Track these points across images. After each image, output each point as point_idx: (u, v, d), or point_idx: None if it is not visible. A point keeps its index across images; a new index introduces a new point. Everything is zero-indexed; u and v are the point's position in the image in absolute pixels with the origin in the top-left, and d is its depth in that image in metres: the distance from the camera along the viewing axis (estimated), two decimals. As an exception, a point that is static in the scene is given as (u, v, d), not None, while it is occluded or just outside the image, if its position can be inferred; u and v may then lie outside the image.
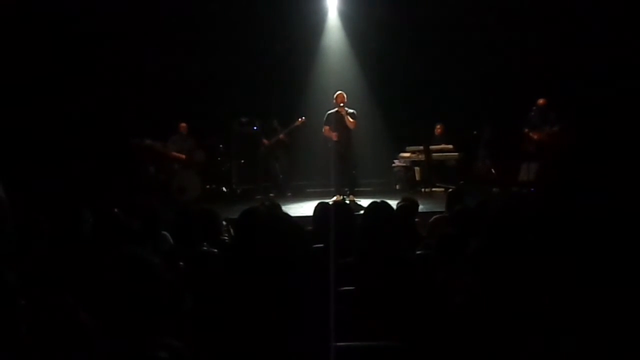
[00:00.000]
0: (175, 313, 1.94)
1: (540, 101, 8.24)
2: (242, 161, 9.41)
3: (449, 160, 8.92)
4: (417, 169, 9.18)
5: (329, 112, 7.44)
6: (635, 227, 2.43)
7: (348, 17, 9.80)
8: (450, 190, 5.87)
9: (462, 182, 8.28)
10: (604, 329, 1.77)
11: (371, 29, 9.48)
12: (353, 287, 2.54)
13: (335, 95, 7.37)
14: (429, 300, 2.30)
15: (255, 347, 1.89)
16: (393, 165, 9.53)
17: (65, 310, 1.05)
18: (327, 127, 7.45)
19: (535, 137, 8.25)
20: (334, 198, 7.11)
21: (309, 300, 1.99)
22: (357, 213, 4.28)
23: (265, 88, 9.55)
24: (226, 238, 3.69)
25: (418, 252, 3.07)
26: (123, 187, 7.38)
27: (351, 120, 7.29)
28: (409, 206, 4.15)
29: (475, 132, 9.07)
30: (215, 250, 3.12)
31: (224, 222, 3.93)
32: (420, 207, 4.87)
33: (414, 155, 9.07)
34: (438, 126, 9.34)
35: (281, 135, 9.16)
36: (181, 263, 2.79)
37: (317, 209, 3.81)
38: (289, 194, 9.02)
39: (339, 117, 7.30)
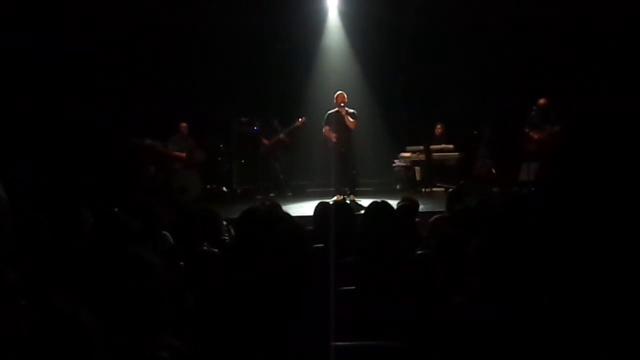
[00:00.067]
0: (176, 313, 1.94)
1: (541, 101, 8.24)
2: (243, 161, 9.42)
3: (449, 160, 8.92)
4: (417, 168, 9.18)
5: (329, 112, 7.44)
6: (635, 227, 2.42)
7: (348, 17, 9.80)
8: (451, 190, 5.87)
9: (462, 182, 8.29)
10: (604, 329, 1.77)
11: (371, 29, 9.48)
12: (353, 287, 2.54)
13: (335, 95, 7.37)
14: (429, 300, 2.30)
15: (255, 347, 1.89)
16: (393, 165, 9.53)
17: (65, 310, 1.04)
18: (327, 127, 7.45)
19: (536, 136, 8.25)
20: (334, 198, 7.11)
21: (309, 300, 1.99)
22: (357, 213, 4.28)
23: (265, 88, 9.56)
24: (226, 238, 3.69)
25: (418, 252, 3.07)
26: (123, 187, 7.38)
27: (351, 120, 7.29)
28: (409, 206, 4.15)
29: (475, 132, 9.07)
30: (216, 250, 3.12)
31: (224, 222, 3.93)
32: (421, 207, 4.87)
33: (414, 155, 9.07)
34: (438, 126, 9.34)
35: (281, 135, 9.17)
36: (181, 263, 2.79)
37: (318, 208, 3.81)
38: (289, 193, 9.03)
39: (339, 117, 7.31)
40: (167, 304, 1.52)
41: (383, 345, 2.02)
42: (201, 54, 9.32)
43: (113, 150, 8.31)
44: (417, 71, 9.28)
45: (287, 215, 3.44)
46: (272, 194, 8.75)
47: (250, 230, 2.93)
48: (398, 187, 9.27)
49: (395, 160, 9.48)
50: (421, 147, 8.95)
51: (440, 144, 9.05)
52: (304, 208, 6.89)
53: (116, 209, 3.09)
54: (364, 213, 3.53)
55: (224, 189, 8.83)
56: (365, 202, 6.25)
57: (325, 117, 7.48)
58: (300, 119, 8.97)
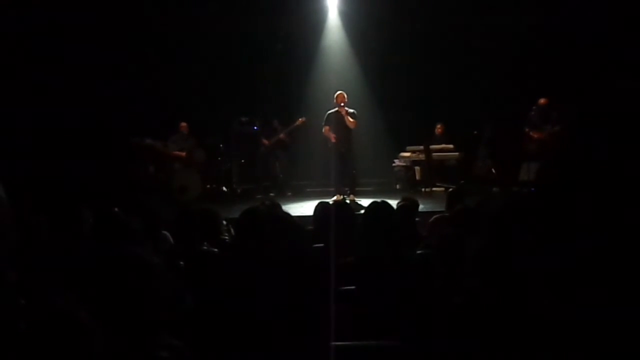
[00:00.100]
0: (176, 313, 1.94)
1: (542, 101, 8.24)
2: (242, 161, 9.42)
3: (449, 160, 8.92)
4: (417, 168, 9.17)
5: (329, 112, 7.44)
6: (635, 227, 2.42)
7: (348, 17, 9.80)
8: (451, 190, 5.86)
9: (462, 181, 8.28)
10: (604, 329, 1.77)
11: (371, 29, 9.48)
12: (353, 287, 2.54)
13: (335, 95, 7.37)
14: (429, 300, 2.30)
15: (256, 346, 1.89)
16: (393, 165, 9.53)
17: (65, 310, 1.04)
18: (327, 127, 7.45)
19: (536, 136, 8.25)
20: (334, 198, 7.11)
21: (309, 300, 1.99)
22: (357, 213, 4.28)
23: (265, 88, 9.55)
24: (226, 238, 3.68)
25: (418, 252, 3.07)
26: (123, 187, 7.38)
27: (351, 120, 7.29)
28: (409, 206, 4.15)
29: (475, 132, 9.07)
30: (215, 250, 3.12)
31: (224, 222, 3.93)
32: (421, 207, 4.87)
33: (414, 154, 9.06)
34: (438, 126, 9.34)
35: (281, 135, 9.17)
36: (181, 263, 2.79)
37: (318, 208, 3.81)
38: (289, 193, 9.02)
39: (339, 117, 7.30)
40: (167, 303, 1.52)
41: (383, 345, 2.02)
42: (201, 53, 9.32)
43: (113, 150, 8.31)
44: (417, 71, 9.28)
45: (287, 215, 3.44)
46: (272, 194, 8.75)
47: (250, 230, 2.93)
48: (398, 187, 9.27)
49: (395, 160, 9.47)
50: (421, 147, 8.94)
51: (440, 144, 9.05)
52: (304, 208, 6.89)
53: (116, 209, 3.09)
54: (364, 213, 3.53)
55: (224, 188, 8.83)
56: (365, 202, 6.24)
57: (325, 117, 7.47)
58: (300, 119, 8.97)
